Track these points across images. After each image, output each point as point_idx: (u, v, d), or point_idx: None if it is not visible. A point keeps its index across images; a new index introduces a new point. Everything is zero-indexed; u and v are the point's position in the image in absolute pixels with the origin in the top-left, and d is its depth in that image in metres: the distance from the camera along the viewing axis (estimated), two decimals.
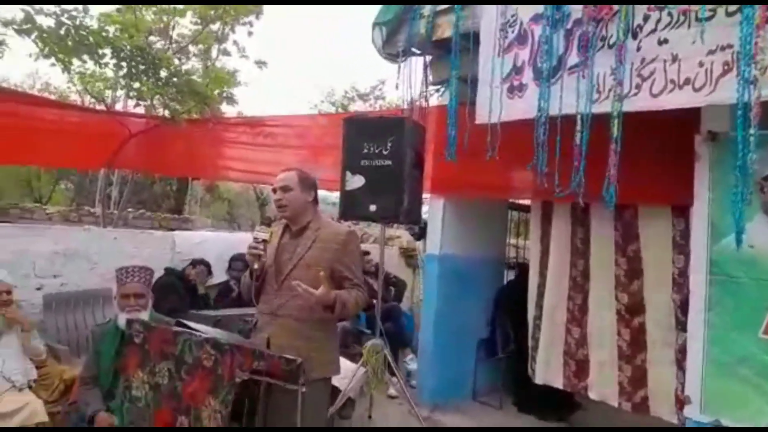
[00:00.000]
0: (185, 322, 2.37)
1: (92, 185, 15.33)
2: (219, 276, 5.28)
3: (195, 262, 5.06)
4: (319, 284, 2.35)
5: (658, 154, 3.36)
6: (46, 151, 6.08)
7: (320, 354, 2.47)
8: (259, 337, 2.50)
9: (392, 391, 4.68)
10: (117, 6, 6.45)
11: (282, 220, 2.68)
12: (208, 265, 5.08)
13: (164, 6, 9.20)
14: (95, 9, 4.82)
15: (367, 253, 5.95)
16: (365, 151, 3.80)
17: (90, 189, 15.80)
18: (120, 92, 8.81)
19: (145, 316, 2.90)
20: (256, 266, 2.48)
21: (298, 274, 2.46)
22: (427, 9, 4.09)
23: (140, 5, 7.99)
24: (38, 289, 4.43)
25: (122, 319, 2.79)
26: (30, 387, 3.28)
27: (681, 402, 3.24)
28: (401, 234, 7.70)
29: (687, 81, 2.64)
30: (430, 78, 4.51)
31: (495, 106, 3.35)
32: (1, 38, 4.55)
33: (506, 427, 4.28)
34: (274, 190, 2.59)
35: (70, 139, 5.96)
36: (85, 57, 5.05)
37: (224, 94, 7.55)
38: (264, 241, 2.51)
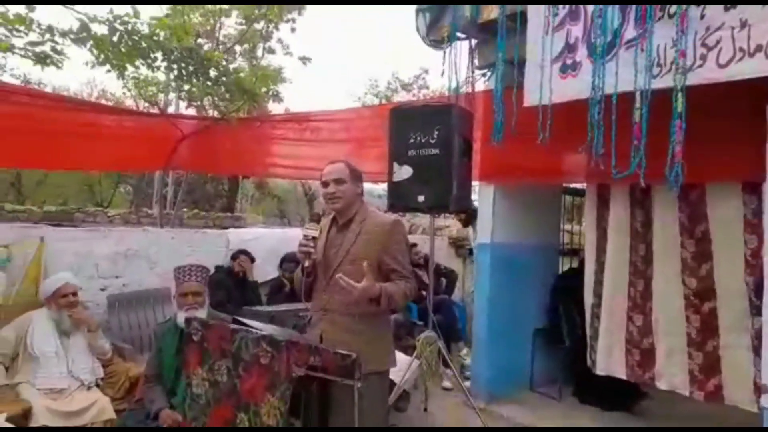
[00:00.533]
0: (241, 319, 2.39)
1: (149, 187, 15.95)
2: (271, 272, 5.35)
3: (235, 255, 5.10)
4: (371, 275, 2.31)
5: (724, 128, 3.15)
6: (106, 156, 6.31)
7: (372, 347, 2.42)
8: (313, 334, 2.50)
9: (447, 383, 4.64)
10: (166, 9, 6.62)
11: (329, 213, 2.66)
12: (248, 254, 5.11)
13: (211, 7, 9.42)
14: (145, 13, 4.92)
15: (414, 245, 5.90)
16: (412, 140, 3.74)
17: (147, 191, 16.45)
18: (172, 95, 9.11)
19: (202, 313, 2.96)
20: (307, 263, 2.47)
21: (345, 269, 2.43)
22: None
23: (188, 8, 8.21)
24: (102, 290, 4.61)
25: (181, 318, 2.86)
26: (98, 385, 3.41)
27: (759, 390, 3.05)
28: (450, 224, 7.60)
29: (759, 48, 2.45)
30: (476, 63, 4.40)
31: (545, 86, 3.22)
32: (60, 48, 4.71)
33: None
34: (326, 183, 2.55)
35: (128, 144, 6.16)
36: (139, 62, 5.19)
37: (270, 92, 7.63)
38: (314, 238, 2.49)
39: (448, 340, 5.22)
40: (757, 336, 3.17)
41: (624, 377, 3.90)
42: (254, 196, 19.65)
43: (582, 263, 4.89)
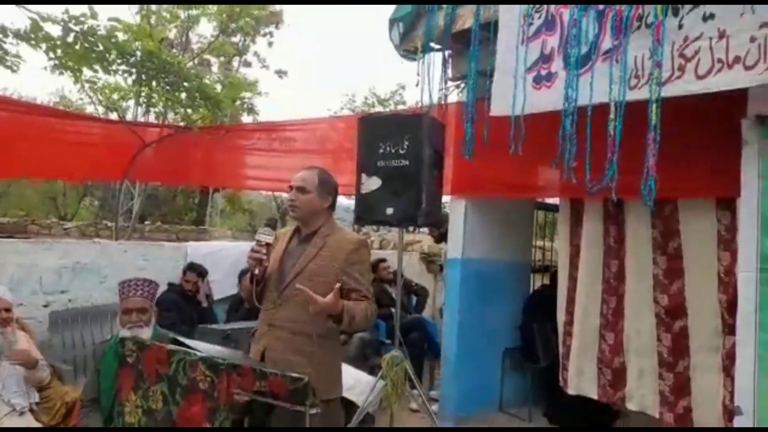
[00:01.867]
0: (182, 339, 2.18)
1: (116, 200, 15.45)
2: (231, 288, 5.08)
3: (185, 270, 4.78)
4: (323, 294, 2.14)
5: (698, 142, 3.08)
6: (60, 164, 6.03)
7: (319, 371, 2.19)
8: (254, 350, 2.31)
9: (414, 405, 4.45)
10: (131, 10, 6.41)
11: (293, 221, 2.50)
12: (197, 269, 4.79)
13: (182, 15, 9.20)
14: (103, 14, 4.70)
15: (383, 260, 5.72)
16: (381, 151, 3.61)
17: (114, 204, 15.93)
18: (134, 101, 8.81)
19: (147, 332, 2.72)
20: (257, 272, 2.27)
21: (301, 283, 2.23)
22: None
23: (163, 19, 8.01)
24: (45, 305, 4.29)
25: (125, 334, 2.64)
26: (32, 410, 3.13)
27: (730, 412, 2.95)
28: (422, 238, 7.45)
29: (737, 59, 2.38)
30: (450, 74, 4.30)
31: (518, 96, 3.12)
32: (15, 50, 4.45)
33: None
34: (290, 188, 2.39)
35: (84, 151, 5.91)
36: (95, 65, 4.94)
37: (244, 104, 7.45)
38: (267, 244, 2.30)
39: (422, 359, 5.06)
40: (728, 356, 3.08)
41: (596, 397, 3.77)
42: (225, 211, 19.27)
43: (553, 279, 4.80)
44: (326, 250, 2.33)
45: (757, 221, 2.64)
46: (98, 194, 17.58)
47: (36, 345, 3.54)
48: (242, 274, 4.86)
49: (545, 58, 3.07)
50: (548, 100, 2.99)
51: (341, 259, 2.32)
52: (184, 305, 4.43)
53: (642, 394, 3.52)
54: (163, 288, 3.88)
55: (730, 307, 3.02)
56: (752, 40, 2.33)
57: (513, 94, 3.16)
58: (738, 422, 2.66)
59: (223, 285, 5.09)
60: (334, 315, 2.18)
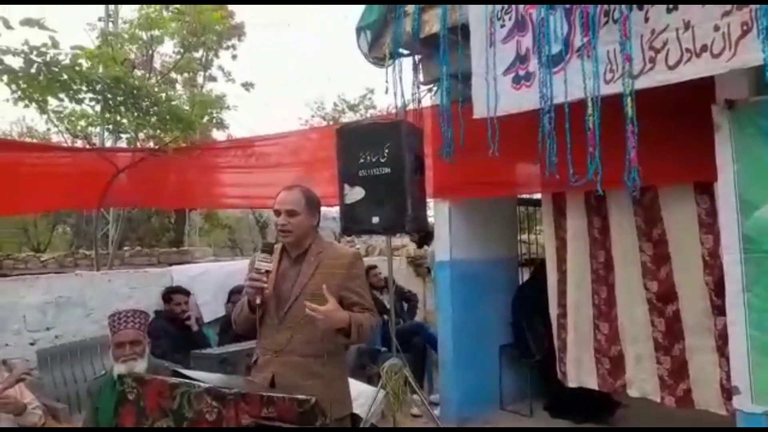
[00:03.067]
0: (181, 370, 2.14)
1: (90, 226, 15.10)
2: (220, 309, 5.01)
3: (167, 296, 4.64)
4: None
5: (673, 130, 3.16)
6: (33, 197, 5.88)
7: (332, 391, 2.23)
8: (261, 378, 2.27)
9: (415, 410, 4.45)
10: (96, 38, 6.29)
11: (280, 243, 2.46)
12: (182, 291, 4.70)
13: (145, 37, 9.05)
14: (66, 43, 4.61)
15: (374, 266, 5.73)
16: (362, 160, 3.60)
17: (88, 230, 15.57)
18: (104, 128, 8.64)
19: (142, 364, 2.68)
20: (258, 301, 2.23)
21: (302, 305, 2.21)
22: (411, 7, 3.90)
23: (122, 39, 7.87)
24: (31, 344, 4.19)
25: (118, 371, 2.61)
26: None
27: (728, 391, 3.03)
28: (407, 243, 7.47)
29: (704, 48, 2.46)
30: (421, 78, 4.32)
31: (492, 98, 3.16)
32: None
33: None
34: (278, 213, 2.33)
35: (57, 182, 5.76)
36: (61, 95, 4.84)
37: (213, 120, 7.36)
38: (267, 271, 2.26)
39: (423, 364, 5.08)
40: (721, 336, 3.16)
41: (596, 387, 3.82)
42: (203, 228, 18.99)
43: (536, 271, 4.86)
44: (322, 268, 2.31)
45: (735, 203, 2.71)
46: (70, 221, 17.17)
47: (26, 386, 3.44)
48: (232, 293, 4.83)
49: (522, 59, 3.12)
50: (529, 99, 3.03)
51: (339, 276, 2.31)
52: (174, 331, 4.34)
53: (642, 380, 3.58)
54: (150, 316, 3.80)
55: (718, 289, 3.10)
56: (716, 28, 2.41)
57: (488, 96, 3.20)
58: (736, 401, 2.72)
59: (211, 307, 5.03)
60: (344, 328, 2.18)
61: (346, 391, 2.39)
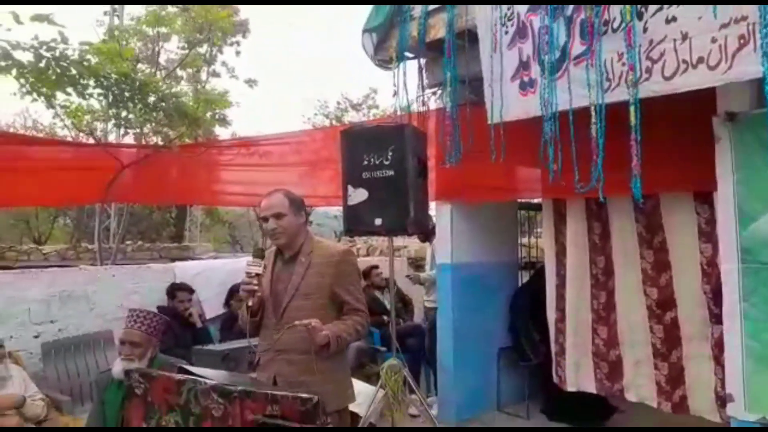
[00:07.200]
0: (187, 367, 2.19)
1: (91, 219, 15.13)
2: (222, 306, 5.05)
3: (172, 292, 4.70)
4: (324, 309, 2.27)
5: (674, 139, 3.20)
6: (38, 191, 5.91)
7: (333, 385, 2.34)
8: (263, 377, 2.35)
9: (414, 410, 4.49)
10: (103, 33, 6.32)
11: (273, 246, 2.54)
12: (186, 288, 4.77)
13: (151, 33, 9.11)
14: (75, 39, 4.65)
15: (375, 266, 5.78)
16: (366, 162, 3.63)
17: (89, 224, 15.62)
18: (110, 123, 8.68)
19: (138, 366, 2.71)
20: (251, 303, 2.32)
21: (298, 304, 2.34)
22: (417, 10, 3.93)
23: (126, 34, 7.90)
24: (36, 336, 4.21)
25: (117, 366, 2.68)
26: None
27: (722, 399, 3.07)
28: (408, 243, 7.51)
29: (700, 60, 2.49)
30: (426, 81, 4.35)
31: (500, 104, 3.19)
32: None
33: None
34: (265, 219, 2.42)
35: (62, 177, 5.79)
36: (69, 90, 4.88)
37: (216, 116, 7.40)
38: (257, 275, 2.35)
39: (419, 364, 5.11)
40: (717, 344, 3.20)
41: (594, 391, 3.87)
42: (204, 223, 19.02)
43: (533, 279, 4.90)
44: (313, 267, 2.39)
45: (734, 214, 2.75)
46: (71, 214, 17.22)
47: (30, 376, 3.50)
48: (231, 293, 4.87)
49: (524, 65, 3.15)
50: (534, 105, 3.06)
51: (330, 274, 2.39)
52: (177, 327, 4.39)
53: (639, 385, 3.62)
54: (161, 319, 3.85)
55: (715, 297, 3.13)
56: (713, 41, 2.43)
57: (494, 101, 3.24)
58: (730, 409, 2.76)
59: (213, 304, 5.05)
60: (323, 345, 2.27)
61: (346, 383, 2.48)
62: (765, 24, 2.26)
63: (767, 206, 2.50)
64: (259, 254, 2.41)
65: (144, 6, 7.85)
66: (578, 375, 3.91)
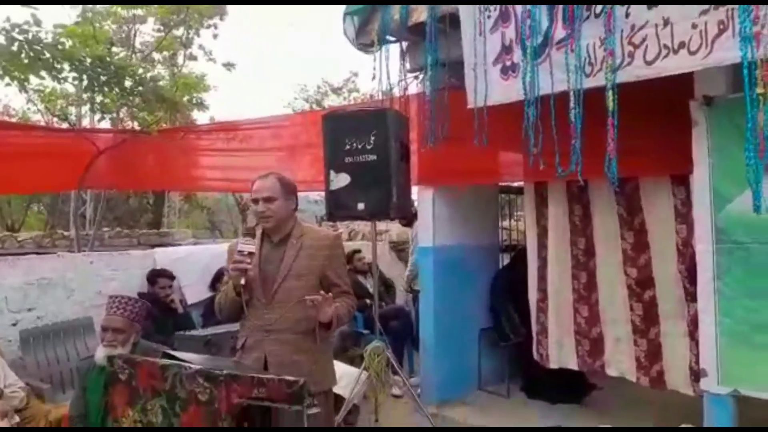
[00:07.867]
0: (172, 352, 2.19)
1: (65, 206, 14.83)
2: (204, 291, 5.02)
3: (152, 279, 4.67)
4: (315, 291, 2.29)
5: (652, 123, 3.25)
6: (11, 178, 5.76)
7: (319, 366, 2.41)
8: (253, 358, 2.36)
9: (396, 391, 4.55)
10: (75, 16, 6.13)
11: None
12: (166, 274, 4.74)
13: (125, 15, 8.86)
14: (49, 21, 4.51)
15: (358, 251, 5.80)
16: (348, 147, 3.63)
17: (63, 210, 15.30)
18: (85, 108, 8.48)
19: (120, 352, 2.70)
20: (242, 281, 2.32)
21: (290, 285, 2.36)
22: None
23: (100, 15, 7.67)
24: (13, 324, 4.16)
25: (100, 352, 2.67)
26: None
27: (696, 374, 3.19)
28: (390, 227, 7.53)
29: (681, 45, 2.53)
30: (408, 65, 4.34)
31: (482, 88, 3.20)
32: None
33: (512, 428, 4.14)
34: (256, 201, 2.43)
35: (36, 163, 5.64)
36: (43, 73, 4.75)
37: (194, 100, 7.27)
38: (250, 253, 2.35)
39: (402, 346, 5.16)
40: (693, 322, 3.30)
41: (576, 368, 3.98)
42: (182, 209, 18.78)
43: (514, 259, 4.97)
44: (305, 250, 2.43)
45: (709, 196, 2.83)
46: (45, 200, 16.84)
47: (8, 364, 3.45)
48: (216, 278, 4.85)
49: (506, 50, 3.16)
50: (518, 90, 3.08)
51: (322, 257, 2.44)
52: (158, 313, 4.36)
53: (619, 360, 3.74)
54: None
55: (690, 276, 3.23)
56: (694, 26, 2.48)
57: (477, 86, 3.25)
58: (704, 383, 2.86)
59: (195, 289, 5.03)
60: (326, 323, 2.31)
61: (330, 366, 2.54)
62: (743, 10, 2.30)
63: (742, 188, 2.56)
64: (250, 232, 2.45)
65: None
66: (561, 352, 4.01)
